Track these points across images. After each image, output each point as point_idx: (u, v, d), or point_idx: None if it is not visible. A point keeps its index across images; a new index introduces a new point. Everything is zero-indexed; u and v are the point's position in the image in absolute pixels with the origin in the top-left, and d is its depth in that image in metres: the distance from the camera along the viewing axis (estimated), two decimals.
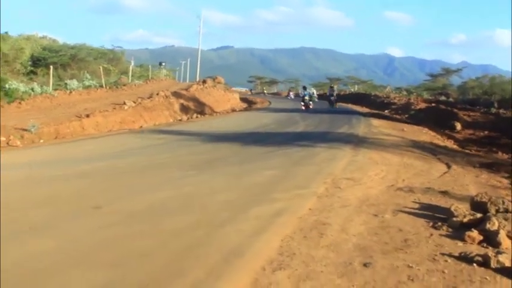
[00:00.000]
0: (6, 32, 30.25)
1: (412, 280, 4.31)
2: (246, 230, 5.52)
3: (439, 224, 6.05)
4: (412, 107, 37.10)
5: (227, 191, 7.83)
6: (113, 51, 40.98)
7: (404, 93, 58.68)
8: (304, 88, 39.35)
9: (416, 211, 6.80)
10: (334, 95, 40.67)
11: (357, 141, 14.86)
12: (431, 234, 5.67)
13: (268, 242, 5.13)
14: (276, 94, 74.77)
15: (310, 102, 36.56)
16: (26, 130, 15.38)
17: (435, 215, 6.56)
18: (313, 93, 41.53)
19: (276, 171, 9.71)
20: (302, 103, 35.71)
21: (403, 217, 6.44)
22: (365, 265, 4.59)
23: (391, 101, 44.00)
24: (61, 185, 8.13)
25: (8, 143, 13.47)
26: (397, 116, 31.73)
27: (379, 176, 9.55)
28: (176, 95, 31.45)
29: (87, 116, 20.00)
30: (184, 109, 29.93)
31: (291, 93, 64.23)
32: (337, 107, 38.57)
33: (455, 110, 29.65)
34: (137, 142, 14.81)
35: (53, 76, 27.68)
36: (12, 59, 28.03)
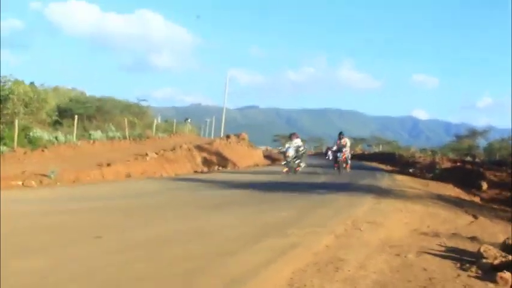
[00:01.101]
0: (32, 82, 30.67)
1: None
2: (253, 261, 5.12)
3: (467, 265, 5.57)
4: (437, 166, 36.37)
5: (239, 227, 7.50)
6: (139, 106, 41.35)
7: (429, 153, 58.03)
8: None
9: (442, 253, 6.32)
10: (344, 150, 23.80)
11: (379, 192, 14.34)
12: (459, 275, 5.20)
13: (277, 273, 4.71)
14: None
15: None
16: (45, 176, 15.24)
17: (463, 257, 6.06)
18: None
19: (293, 212, 9.29)
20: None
21: (428, 258, 5.97)
22: None
23: (416, 160, 43.36)
24: (68, 217, 7.89)
25: (23, 183, 13.32)
26: (422, 175, 31.11)
27: (403, 221, 9.07)
28: (199, 148, 31.33)
29: (108, 165, 19.86)
30: (207, 162, 29.69)
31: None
32: (348, 170, 23.97)
33: (482, 170, 28.96)
34: (154, 186, 14.63)
35: (77, 127, 27.88)
36: (36, 108, 28.32)
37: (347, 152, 24.36)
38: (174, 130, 41.45)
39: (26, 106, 28.09)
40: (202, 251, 5.64)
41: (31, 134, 24.69)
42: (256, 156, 41.55)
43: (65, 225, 7.14)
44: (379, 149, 72.72)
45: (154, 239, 6.42)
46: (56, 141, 24.97)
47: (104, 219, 7.93)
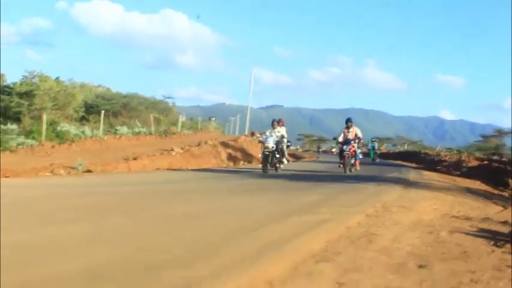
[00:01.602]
0: (57, 78, 31.09)
1: (476, 282, 3.79)
2: (286, 232, 5.17)
3: (501, 243, 5.50)
4: (464, 164, 36.00)
5: (270, 207, 7.61)
6: (164, 102, 41.64)
7: (455, 152, 57.34)
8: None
9: (475, 233, 6.23)
10: (352, 143, 18.85)
11: (407, 183, 14.23)
12: (493, 251, 5.12)
13: (310, 241, 4.71)
14: (325, 152, 74.04)
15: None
16: (73, 168, 15.40)
17: (496, 237, 5.98)
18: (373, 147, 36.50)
19: (321, 197, 9.28)
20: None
21: (460, 236, 5.89)
22: (421, 266, 4.10)
23: (442, 159, 42.83)
24: (104, 198, 8.10)
25: (52, 172, 13.48)
26: (448, 172, 30.76)
27: (432, 207, 8.96)
28: (224, 144, 31.44)
29: (135, 158, 20.02)
30: (232, 158, 29.76)
31: (333, 149, 49.29)
32: (357, 169, 19.92)
33: (509, 168, 28.55)
34: (183, 176, 14.75)
35: (104, 122, 28.21)
36: (62, 104, 28.71)
37: (355, 145, 18.79)
38: (199, 127, 41.67)
39: (53, 101, 28.52)
40: (237, 223, 5.79)
41: (58, 128, 25.05)
42: None
43: (103, 204, 7.33)
44: (404, 148, 72.21)
45: (192, 214, 6.62)
46: (82, 136, 25.35)
47: (139, 200, 8.07)
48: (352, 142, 18.57)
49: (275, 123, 18.41)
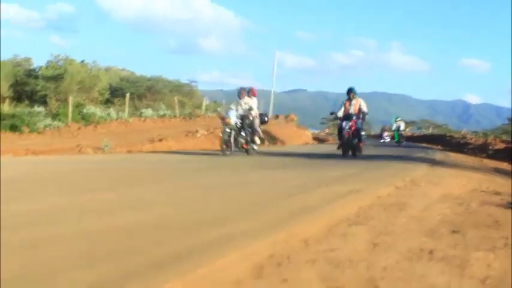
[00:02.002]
0: (82, 61, 31.38)
1: (510, 247, 3.79)
2: (319, 198, 5.27)
3: None
4: (490, 147, 35.55)
5: (302, 179, 7.79)
6: (188, 86, 41.74)
7: (481, 135, 56.57)
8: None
9: (505, 205, 6.20)
10: (354, 118, 14.96)
11: (434, 163, 14.11)
12: None
13: (342, 208, 4.77)
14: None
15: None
16: (99, 148, 15.60)
17: None
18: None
19: (350, 171, 9.38)
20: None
21: (491, 208, 5.85)
22: (453, 232, 4.10)
23: (468, 142, 42.30)
24: (137, 168, 8.23)
25: (80, 151, 13.67)
26: (474, 154, 30.43)
27: (460, 183, 8.89)
28: None
29: (160, 140, 20.19)
30: None
31: (385, 133, 39.60)
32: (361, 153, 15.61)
33: None
34: (212, 154, 14.78)
35: (129, 105, 28.41)
36: (88, 86, 28.98)
37: (359, 122, 14.84)
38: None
39: (78, 84, 28.82)
40: (273, 192, 6.07)
41: (84, 110, 25.33)
42: (305, 136, 41.43)
43: (139, 175, 7.80)
44: (429, 131, 71.52)
45: (229, 183, 6.99)
46: (108, 118, 25.58)
47: (174, 173, 8.30)
48: (354, 117, 14.61)
49: (242, 92, 14.60)
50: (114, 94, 31.89)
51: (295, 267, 2.82)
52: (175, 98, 31.99)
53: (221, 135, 13.67)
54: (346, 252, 3.20)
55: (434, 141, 45.24)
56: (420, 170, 10.76)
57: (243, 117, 13.91)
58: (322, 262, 2.94)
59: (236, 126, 13.55)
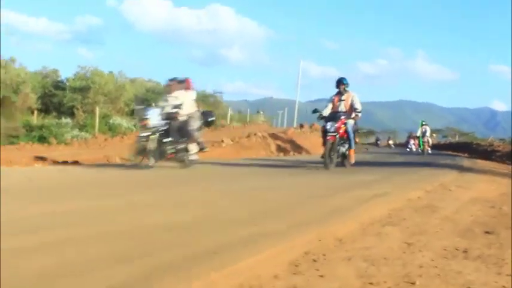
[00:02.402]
0: (110, 72, 31.73)
1: None
2: (349, 201, 5.30)
3: None
4: None
5: (330, 183, 7.89)
6: (214, 96, 41.96)
7: (509, 142, 55.72)
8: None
9: None
10: (343, 118, 11.13)
11: (462, 169, 13.97)
12: None
13: (373, 209, 4.78)
14: (373, 144, 72.74)
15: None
16: (126, 159, 15.74)
17: None
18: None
19: (377, 176, 9.37)
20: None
21: None
22: (487, 232, 4.07)
23: (495, 149, 41.73)
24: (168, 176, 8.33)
25: (107, 160, 13.80)
26: (503, 162, 30.01)
27: (490, 188, 8.81)
28: (273, 136, 31.45)
29: None
30: (281, 150, 29.73)
31: (411, 140, 35.96)
32: (352, 162, 11.61)
33: None
34: (239, 163, 14.79)
35: None
36: (114, 97, 29.30)
37: (350, 123, 11.32)
38: (247, 120, 41.86)
39: (105, 95, 29.17)
40: (303, 194, 6.18)
41: (111, 121, 25.57)
42: None
43: (174, 179, 8.07)
44: (455, 139, 70.81)
45: (260, 187, 7.02)
46: (134, 129, 25.76)
47: (206, 179, 8.38)
48: (342, 117, 11.09)
49: (171, 84, 10.62)
50: (141, 105, 32.18)
51: (331, 264, 2.83)
52: (201, 109, 32.17)
53: (135, 143, 10.08)
54: (381, 250, 3.20)
55: (460, 149, 44.71)
56: (450, 176, 10.66)
57: (169, 117, 9.88)
58: (358, 259, 2.95)
59: (159, 130, 9.67)
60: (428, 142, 27.75)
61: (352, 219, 4.12)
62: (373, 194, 6.02)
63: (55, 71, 33.21)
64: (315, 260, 2.87)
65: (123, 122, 25.77)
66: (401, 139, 63.58)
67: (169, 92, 10.46)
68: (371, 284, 2.48)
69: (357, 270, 2.71)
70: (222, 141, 24.47)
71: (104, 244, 3.01)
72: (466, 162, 19.80)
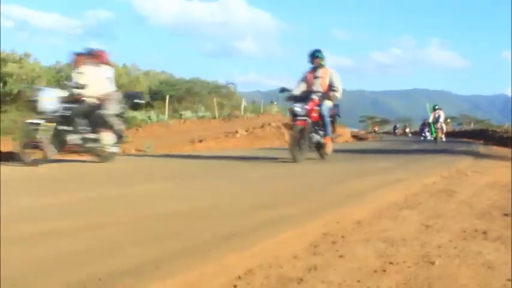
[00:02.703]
0: (124, 64, 31.86)
1: None
2: (365, 186, 5.38)
3: None
4: None
5: (345, 171, 7.89)
6: (227, 87, 41.97)
7: None
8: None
9: None
10: (313, 98, 9.04)
11: (478, 155, 13.88)
12: None
13: (390, 194, 4.80)
14: (388, 133, 72.29)
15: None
16: (142, 150, 15.81)
17: None
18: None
19: (393, 163, 9.35)
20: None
21: None
22: (506, 215, 4.06)
23: (511, 136, 41.37)
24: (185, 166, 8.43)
25: (123, 151, 13.87)
26: None
27: (507, 173, 8.77)
28: (287, 126, 31.44)
29: (200, 141, 20.37)
30: None
31: (425, 128, 33.63)
32: (328, 153, 9.62)
33: None
34: (254, 152, 14.79)
35: (168, 108, 28.72)
36: (128, 90, 29.40)
37: (326, 105, 9.31)
38: (261, 111, 41.80)
39: (119, 88, 29.30)
40: (321, 180, 6.26)
41: (125, 114, 25.64)
42: (344, 134, 41.22)
43: (190, 170, 8.15)
44: (470, 127, 70.29)
45: (274, 176, 7.02)
46: (149, 121, 25.90)
47: (223, 168, 8.43)
48: (314, 97, 9.14)
49: (78, 58, 8.53)
50: (154, 97, 32.28)
51: (350, 245, 2.86)
52: (214, 100, 32.23)
53: (20, 131, 8.31)
54: (399, 232, 3.22)
55: (476, 136, 44.35)
56: (465, 162, 10.62)
57: (71, 101, 7.81)
58: (376, 241, 2.97)
59: (57, 116, 7.53)
60: (442, 129, 24.93)
61: (370, 204, 4.16)
62: (391, 179, 6.09)
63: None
64: (334, 242, 2.90)
65: (138, 114, 25.87)
66: (417, 127, 63.20)
67: (75, 67, 8.46)
68: (391, 263, 2.50)
69: (376, 251, 2.73)
70: (236, 131, 24.54)
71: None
72: (482, 148, 19.67)
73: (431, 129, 26.03)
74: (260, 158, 10.56)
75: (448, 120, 37.30)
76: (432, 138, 25.99)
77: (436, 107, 26.04)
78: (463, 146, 20.89)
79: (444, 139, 25.26)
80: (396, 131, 60.14)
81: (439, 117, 25.42)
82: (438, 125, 24.76)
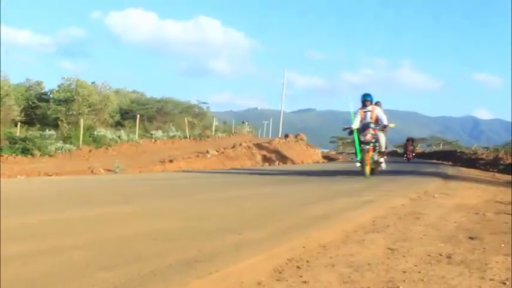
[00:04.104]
0: (93, 82, 31.62)
1: None
2: (334, 208, 5.32)
3: None
4: (501, 162, 35.31)
5: (316, 192, 7.95)
6: (198, 107, 41.97)
7: (492, 150, 56.15)
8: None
9: None
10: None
11: (446, 176, 14.05)
12: None
13: (358, 216, 4.80)
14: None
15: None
16: (110, 170, 15.65)
17: None
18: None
19: (363, 184, 9.40)
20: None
21: (507, 217, 5.80)
22: (471, 238, 4.08)
23: (479, 157, 41.99)
24: (150, 186, 8.22)
25: (92, 171, 13.72)
26: (486, 169, 30.20)
27: (475, 195, 8.86)
28: (258, 146, 31.47)
29: (171, 161, 20.26)
30: (266, 160, 29.75)
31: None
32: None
33: None
34: (224, 173, 14.78)
35: (139, 127, 28.56)
36: (99, 108, 29.19)
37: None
38: (232, 131, 41.85)
39: (89, 107, 29.03)
40: (289, 202, 6.24)
41: (95, 133, 25.46)
42: (315, 155, 41.39)
43: (155, 190, 7.78)
44: (440, 148, 71.25)
45: (244, 196, 6.92)
46: (119, 140, 25.70)
47: (189, 188, 8.30)
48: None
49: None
50: (125, 116, 32.06)
51: (314, 270, 2.83)
52: (185, 119, 32.16)
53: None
54: (365, 256, 3.20)
55: (445, 157, 44.94)
56: (434, 183, 10.73)
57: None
58: (342, 265, 2.94)
59: None
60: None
61: (337, 226, 4.14)
62: (359, 201, 6.11)
63: (39, 83, 32.92)
64: (298, 267, 2.87)
65: (108, 133, 25.66)
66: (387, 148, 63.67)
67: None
68: None
69: (341, 276, 2.71)
70: (207, 152, 24.48)
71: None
72: (451, 170, 19.94)
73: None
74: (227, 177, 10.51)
75: (417, 148, 37.64)
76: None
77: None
78: (432, 168, 21.11)
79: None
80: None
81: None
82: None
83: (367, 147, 11.60)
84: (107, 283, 2.29)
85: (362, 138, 11.64)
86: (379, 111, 12.27)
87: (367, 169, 11.44)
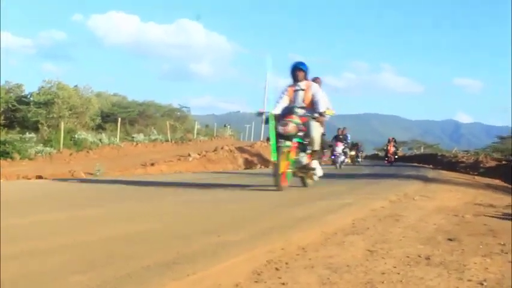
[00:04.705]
0: (76, 86, 31.44)
1: (506, 253, 3.79)
2: (314, 211, 5.32)
3: None
4: (481, 165, 35.64)
5: (296, 194, 7.74)
6: (180, 111, 41.87)
7: (472, 153, 56.64)
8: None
9: (500, 216, 6.21)
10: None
11: (427, 179, 14.14)
12: None
13: (337, 219, 4.80)
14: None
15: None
16: (91, 174, 15.54)
17: None
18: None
19: (343, 188, 9.44)
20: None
21: (486, 218, 5.86)
22: (450, 239, 4.11)
23: (459, 160, 42.33)
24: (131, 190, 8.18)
25: (72, 175, 13.60)
26: (466, 172, 30.50)
27: (455, 197, 8.93)
28: (240, 150, 31.45)
29: (152, 164, 20.16)
30: (248, 163, 29.69)
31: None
32: None
33: None
34: (206, 176, 14.69)
35: (120, 130, 28.45)
36: (80, 111, 29.02)
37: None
38: (214, 134, 41.81)
39: (70, 110, 28.83)
40: (268, 204, 6.16)
41: (76, 136, 25.31)
42: None
43: (138, 193, 7.67)
44: (421, 151, 71.70)
45: (221, 199, 6.83)
46: (100, 143, 25.59)
47: (169, 191, 8.23)
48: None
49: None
50: (106, 120, 31.91)
51: (293, 272, 2.82)
52: (167, 123, 32.07)
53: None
54: (344, 258, 3.21)
55: (425, 160, 45.19)
56: (414, 186, 10.79)
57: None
58: (321, 267, 2.94)
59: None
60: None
61: (316, 229, 4.12)
62: (339, 204, 6.10)
63: (19, 86, 32.56)
64: (277, 269, 2.86)
65: (89, 136, 25.52)
66: (369, 151, 64.23)
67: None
68: None
69: (320, 278, 2.70)
70: (189, 155, 24.43)
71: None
72: (431, 173, 20.08)
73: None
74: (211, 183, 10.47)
75: (399, 151, 37.62)
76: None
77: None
78: (412, 170, 21.26)
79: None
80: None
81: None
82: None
83: (288, 143, 7.59)
84: (81, 285, 2.26)
85: (281, 130, 7.54)
86: (316, 91, 8.26)
87: (282, 179, 7.52)
